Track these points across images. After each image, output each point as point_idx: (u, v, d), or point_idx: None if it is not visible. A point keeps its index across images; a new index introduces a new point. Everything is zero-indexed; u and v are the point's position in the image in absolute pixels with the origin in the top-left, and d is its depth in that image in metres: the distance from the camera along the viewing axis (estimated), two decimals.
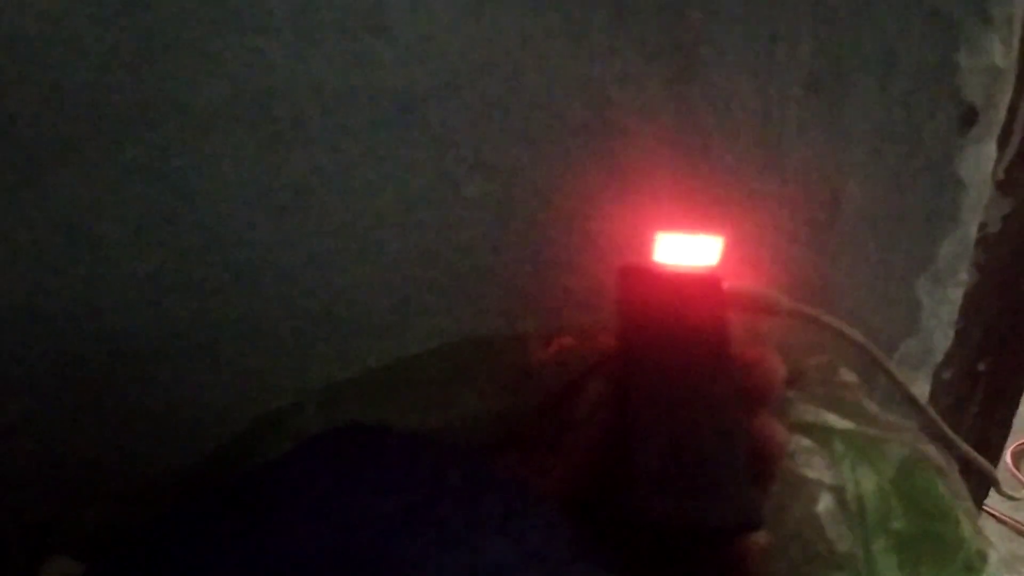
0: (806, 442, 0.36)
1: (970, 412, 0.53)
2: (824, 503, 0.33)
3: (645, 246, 0.38)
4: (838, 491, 0.33)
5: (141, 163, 0.38)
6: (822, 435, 0.35)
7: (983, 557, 0.33)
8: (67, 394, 0.46)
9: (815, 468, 0.34)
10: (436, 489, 0.26)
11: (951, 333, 0.44)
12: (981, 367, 0.51)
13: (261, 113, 0.36)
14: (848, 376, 0.38)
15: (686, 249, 0.34)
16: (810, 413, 0.37)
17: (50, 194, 0.39)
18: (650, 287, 0.32)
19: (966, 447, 0.42)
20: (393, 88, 0.36)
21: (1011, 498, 0.59)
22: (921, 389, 0.47)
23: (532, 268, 0.41)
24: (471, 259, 0.41)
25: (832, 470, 0.33)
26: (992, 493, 0.56)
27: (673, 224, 0.36)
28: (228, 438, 0.45)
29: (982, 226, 0.42)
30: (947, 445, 0.41)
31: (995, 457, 0.56)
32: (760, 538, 0.28)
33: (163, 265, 0.42)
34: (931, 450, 0.38)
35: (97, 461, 0.47)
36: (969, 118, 0.35)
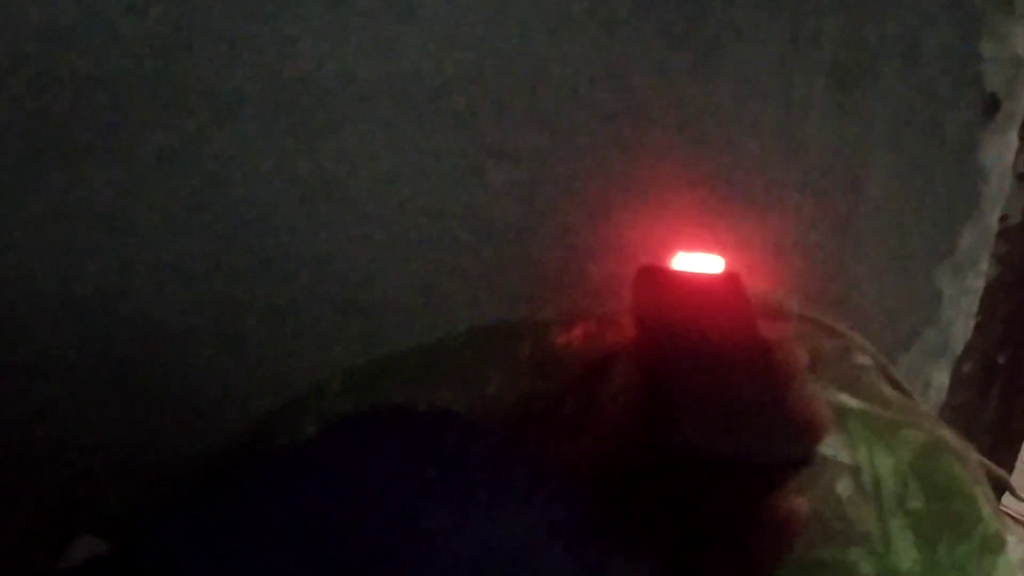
0: None
1: (990, 405, 0.53)
2: (842, 483, 0.34)
3: (667, 236, 0.39)
4: (854, 471, 0.33)
5: (173, 150, 0.39)
6: (838, 416, 0.35)
7: (1000, 539, 0.33)
8: (95, 377, 0.47)
9: (831, 447, 0.34)
10: (462, 462, 0.26)
11: (971, 324, 0.44)
12: (1001, 360, 0.51)
13: (291, 101, 0.37)
14: (863, 359, 0.38)
15: (695, 264, 0.35)
16: (825, 394, 0.37)
17: (84, 180, 0.40)
18: (670, 283, 0.32)
19: (978, 455, 0.42)
20: (420, 76, 0.36)
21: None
22: (940, 380, 0.47)
23: (555, 255, 0.41)
24: (495, 245, 0.41)
25: (848, 450, 0.34)
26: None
27: (695, 213, 0.37)
28: (253, 421, 0.46)
29: (1003, 218, 0.42)
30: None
31: (1014, 450, 0.56)
32: (802, 506, 0.28)
33: (192, 250, 0.42)
34: (949, 434, 0.38)
35: (124, 443, 0.48)
36: (991, 107, 0.36)
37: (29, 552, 0.46)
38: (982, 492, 0.34)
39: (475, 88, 0.37)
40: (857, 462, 0.33)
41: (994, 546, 0.33)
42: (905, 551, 0.33)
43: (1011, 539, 0.36)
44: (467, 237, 0.41)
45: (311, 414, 0.43)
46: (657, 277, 0.33)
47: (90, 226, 0.42)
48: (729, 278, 0.33)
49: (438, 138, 0.38)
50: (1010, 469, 0.58)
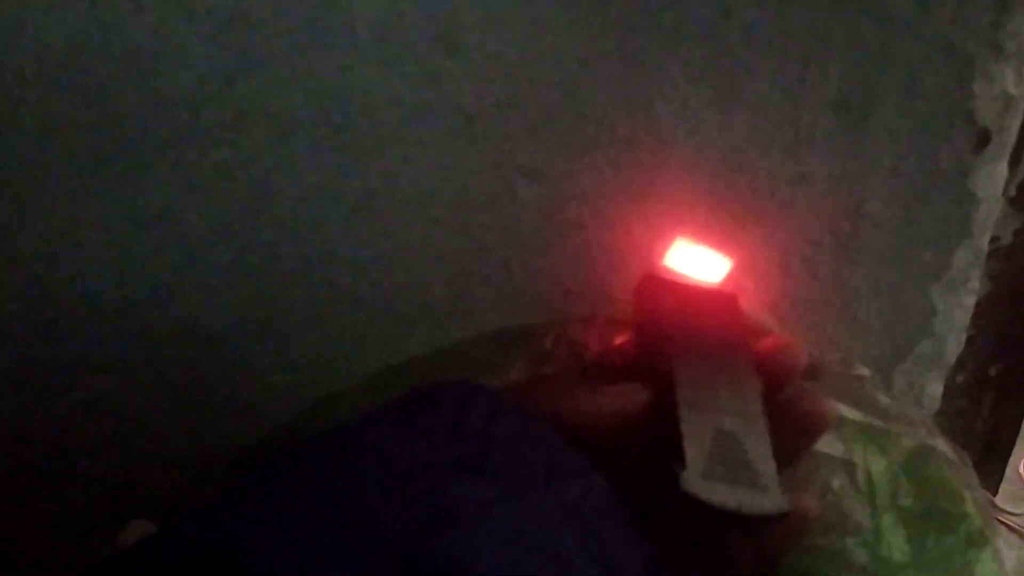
0: None
1: (981, 415, 0.56)
2: (838, 478, 0.36)
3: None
4: (849, 467, 0.36)
5: (230, 164, 0.42)
6: (836, 423, 0.37)
7: (985, 536, 0.36)
8: (145, 372, 0.50)
9: (828, 446, 0.37)
10: (486, 442, 0.27)
11: (963, 338, 0.47)
12: (992, 372, 0.53)
13: (342, 123, 0.40)
14: (862, 370, 0.41)
15: (698, 261, 0.37)
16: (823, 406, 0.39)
17: (147, 189, 0.43)
18: (671, 295, 0.35)
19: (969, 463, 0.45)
20: (461, 102, 0.40)
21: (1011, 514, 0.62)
22: (934, 389, 0.50)
23: (577, 266, 0.44)
24: (522, 257, 0.44)
25: (844, 450, 0.37)
26: (1006, 499, 0.59)
27: (707, 229, 0.40)
28: (292, 415, 0.49)
29: (995, 239, 0.45)
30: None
31: (1004, 456, 0.59)
32: (812, 511, 0.31)
33: (242, 257, 0.46)
34: (942, 443, 0.41)
35: (172, 433, 0.51)
36: (983, 140, 0.38)
37: (84, 535, 0.49)
38: (970, 492, 0.36)
39: (510, 113, 0.40)
40: (853, 461, 0.36)
41: (978, 541, 0.36)
42: (896, 543, 0.35)
43: (1002, 546, 0.38)
44: (497, 249, 0.44)
45: (342, 411, 0.46)
46: (659, 288, 0.35)
47: (147, 231, 0.45)
48: (726, 296, 0.36)
49: (474, 158, 0.42)
50: (999, 476, 0.61)
